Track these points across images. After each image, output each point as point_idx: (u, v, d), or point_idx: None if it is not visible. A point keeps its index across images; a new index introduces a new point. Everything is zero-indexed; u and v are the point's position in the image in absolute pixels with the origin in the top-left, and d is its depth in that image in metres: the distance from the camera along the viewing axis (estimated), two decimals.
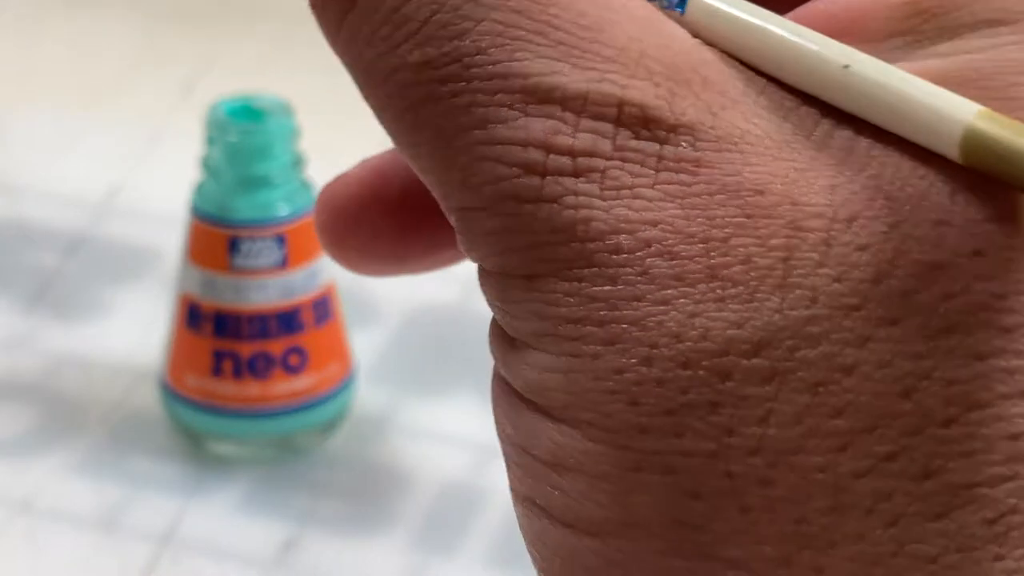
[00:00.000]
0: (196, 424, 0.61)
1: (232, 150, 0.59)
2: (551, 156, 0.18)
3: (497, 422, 0.20)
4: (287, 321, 0.60)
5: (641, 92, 0.18)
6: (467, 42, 0.18)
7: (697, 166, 0.18)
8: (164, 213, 0.70)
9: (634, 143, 0.18)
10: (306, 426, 0.61)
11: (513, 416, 0.19)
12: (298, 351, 0.60)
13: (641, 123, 0.18)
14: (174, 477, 0.61)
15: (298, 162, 0.60)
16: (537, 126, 0.18)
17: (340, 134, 0.67)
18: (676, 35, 0.19)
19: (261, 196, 0.59)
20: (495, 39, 0.18)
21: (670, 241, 0.17)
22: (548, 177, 0.18)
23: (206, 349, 0.60)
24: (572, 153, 0.18)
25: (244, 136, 0.59)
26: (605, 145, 0.18)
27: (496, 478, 0.61)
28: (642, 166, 0.18)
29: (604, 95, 0.18)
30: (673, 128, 0.18)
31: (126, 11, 0.94)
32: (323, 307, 0.61)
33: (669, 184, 0.18)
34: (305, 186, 0.60)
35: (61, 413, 0.64)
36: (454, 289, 0.70)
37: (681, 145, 0.18)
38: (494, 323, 0.19)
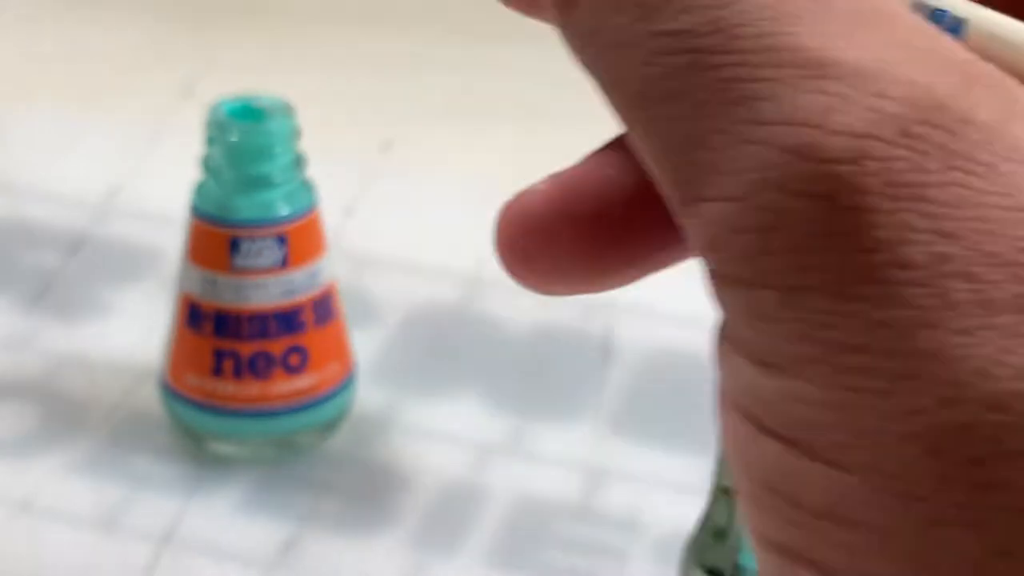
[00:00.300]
0: (196, 424, 0.61)
1: (232, 150, 0.59)
2: (827, 136, 0.15)
3: (733, 456, 0.17)
4: (287, 321, 0.60)
5: (931, 76, 0.16)
6: (733, 11, 0.16)
7: (991, 171, 0.15)
8: (164, 213, 0.70)
9: (919, 129, 0.15)
10: (306, 426, 0.61)
11: (756, 451, 0.16)
12: (298, 351, 0.60)
13: (930, 108, 0.16)
14: (174, 477, 0.61)
15: (298, 162, 0.60)
16: (811, 102, 0.16)
17: (340, 134, 0.67)
18: (956, 44, 0.17)
19: (261, 196, 0.59)
20: (764, 11, 0.16)
21: (969, 260, 0.15)
22: (822, 165, 0.15)
23: (206, 349, 0.60)
24: (852, 134, 0.15)
25: (244, 136, 0.59)
26: (889, 128, 0.15)
27: (496, 478, 0.61)
28: (928, 157, 0.15)
29: (888, 72, 0.16)
30: (964, 121, 0.16)
31: (126, 11, 0.94)
32: (323, 307, 0.61)
33: (961, 188, 0.15)
34: (305, 186, 0.60)
35: (61, 413, 0.64)
36: (454, 289, 0.70)
37: (974, 142, 0.15)
38: (726, 336, 0.17)
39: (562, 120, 0.85)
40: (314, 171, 0.59)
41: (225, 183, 0.59)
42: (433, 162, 0.80)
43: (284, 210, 0.59)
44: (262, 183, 0.58)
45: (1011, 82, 0.16)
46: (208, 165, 0.59)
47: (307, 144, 0.60)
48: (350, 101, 0.84)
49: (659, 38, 0.17)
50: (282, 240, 0.59)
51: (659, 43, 0.17)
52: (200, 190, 0.60)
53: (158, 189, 0.74)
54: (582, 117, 0.93)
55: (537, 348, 0.67)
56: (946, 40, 0.17)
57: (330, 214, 0.62)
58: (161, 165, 0.78)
